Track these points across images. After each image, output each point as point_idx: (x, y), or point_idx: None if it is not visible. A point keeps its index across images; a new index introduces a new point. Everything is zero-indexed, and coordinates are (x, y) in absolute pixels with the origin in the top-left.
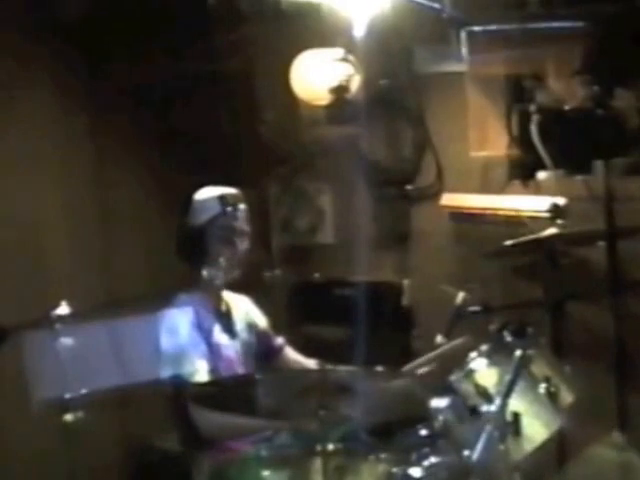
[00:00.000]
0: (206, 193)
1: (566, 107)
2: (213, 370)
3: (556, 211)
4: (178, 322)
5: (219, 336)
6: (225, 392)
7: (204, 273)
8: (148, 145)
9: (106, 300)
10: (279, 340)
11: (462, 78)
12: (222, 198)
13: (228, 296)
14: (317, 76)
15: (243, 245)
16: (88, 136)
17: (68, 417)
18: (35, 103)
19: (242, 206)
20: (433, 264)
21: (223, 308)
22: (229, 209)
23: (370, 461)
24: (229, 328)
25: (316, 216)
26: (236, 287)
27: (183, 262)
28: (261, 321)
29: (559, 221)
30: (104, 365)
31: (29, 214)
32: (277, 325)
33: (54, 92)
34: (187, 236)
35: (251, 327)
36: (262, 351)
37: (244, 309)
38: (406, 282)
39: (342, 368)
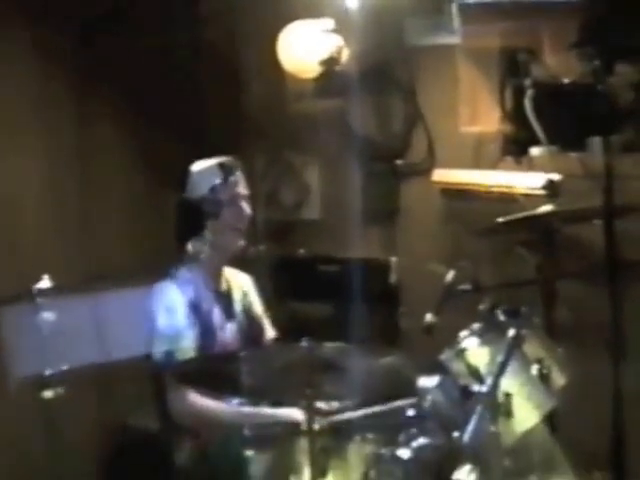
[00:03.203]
0: (203, 164)
1: (562, 82)
2: (207, 352)
3: (551, 188)
4: (176, 301)
5: (217, 317)
6: (209, 369)
7: (211, 243)
8: (132, 115)
9: (89, 274)
10: (270, 333)
11: (454, 51)
12: (222, 166)
13: (230, 273)
14: (305, 48)
15: (248, 209)
16: (70, 105)
17: (47, 393)
18: (14, 67)
19: (239, 172)
20: (423, 241)
21: (224, 286)
22: (230, 176)
23: (356, 442)
24: (228, 308)
25: (302, 191)
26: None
27: (187, 239)
28: (257, 308)
29: (554, 198)
30: (85, 341)
31: (8, 185)
32: (262, 301)
33: (36, 57)
34: (189, 210)
35: (247, 311)
36: (252, 338)
37: (243, 290)
38: (394, 259)
39: (328, 345)
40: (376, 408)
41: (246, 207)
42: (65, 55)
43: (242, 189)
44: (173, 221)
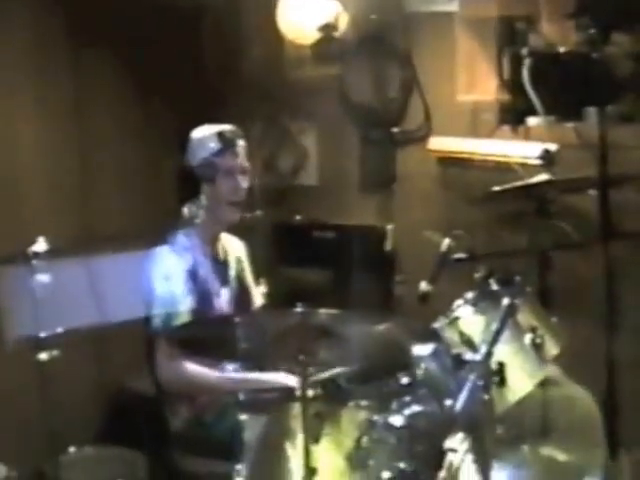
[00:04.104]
0: (204, 131)
1: (559, 51)
2: (203, 318)
3: (547, 157)
4: (174, 267)
5: (213, 284)
6: (204, 334)
7: (204, 212)
8: (129, 79)
9: (85, 237)
10: (258, 301)
11: (452, 19)
12: (221, 135)
13: (225, 239)
14: (304, 13)
15: (245, 182)
16: (68, 68)
17: (43, 355)
18: (12, 33)
19: (241, 142)
20: (418, 209)
21: (220, 252)
22: (230, 146)
23: (350, 408)
24: (224, 275)
25: (299, 156)
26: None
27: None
28: (248, 276)
29: (550, 167)
30: (81, 303)
31: (5, 147)
32: (257, 267)
33: (33, 23)
34: (186, 174)
35: (239, 277)
36: (242, 305)
37: (237, 256)
38: (390, 227)
39: (323, 311)
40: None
41: (242, 181)
42: (63, 14)
43: (241, 161)
44: (173, 186)
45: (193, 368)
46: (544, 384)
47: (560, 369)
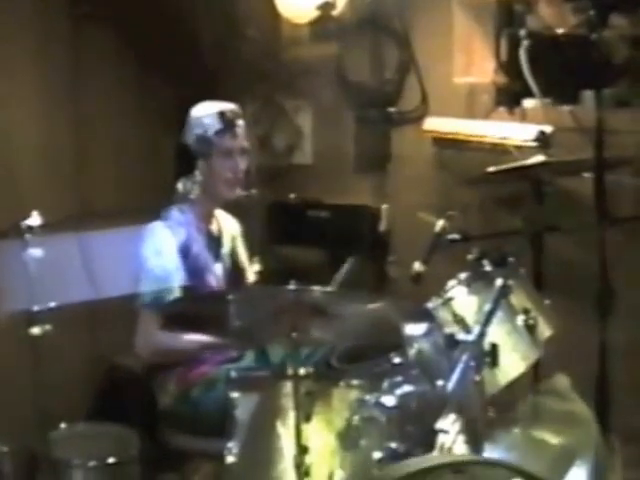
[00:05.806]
0: (204, 108)
1: (557, 33)
2: (194, 294)
3: (543, 139)
4: (167, 242)
5: (206, 260)
6: (195, 310)
7: (199, 188)
8: (126, 57)
9: (80, 212)
10: (251, 278)
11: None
12: (222, 114)
13: (220, 215)
14: None
15: (243, 163)
16: (65, 44)
17: (35, 330)
18: (11, 10)
19: (241, 122)
20: (413, 190)
21: (214, 228)
22: (230, 126)
23: (341, 387)
24: (217, 251)
25: (295, 135)
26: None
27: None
28: (242, 254)
29: (545, 150)
30: (74, 278)
31: (3, 123)
32: (252, 245)
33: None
34: (182, 150)
35: (233, 255)
36: (235, 282)
37: (232, 234)
38: (384, 207)
39: (316, 289)
40: None
41: (240, 161)
42: None
43: (240, 142)
44: (169, 162)
45: (168, 334)
46: (548, 392)
47: (569, 380)
